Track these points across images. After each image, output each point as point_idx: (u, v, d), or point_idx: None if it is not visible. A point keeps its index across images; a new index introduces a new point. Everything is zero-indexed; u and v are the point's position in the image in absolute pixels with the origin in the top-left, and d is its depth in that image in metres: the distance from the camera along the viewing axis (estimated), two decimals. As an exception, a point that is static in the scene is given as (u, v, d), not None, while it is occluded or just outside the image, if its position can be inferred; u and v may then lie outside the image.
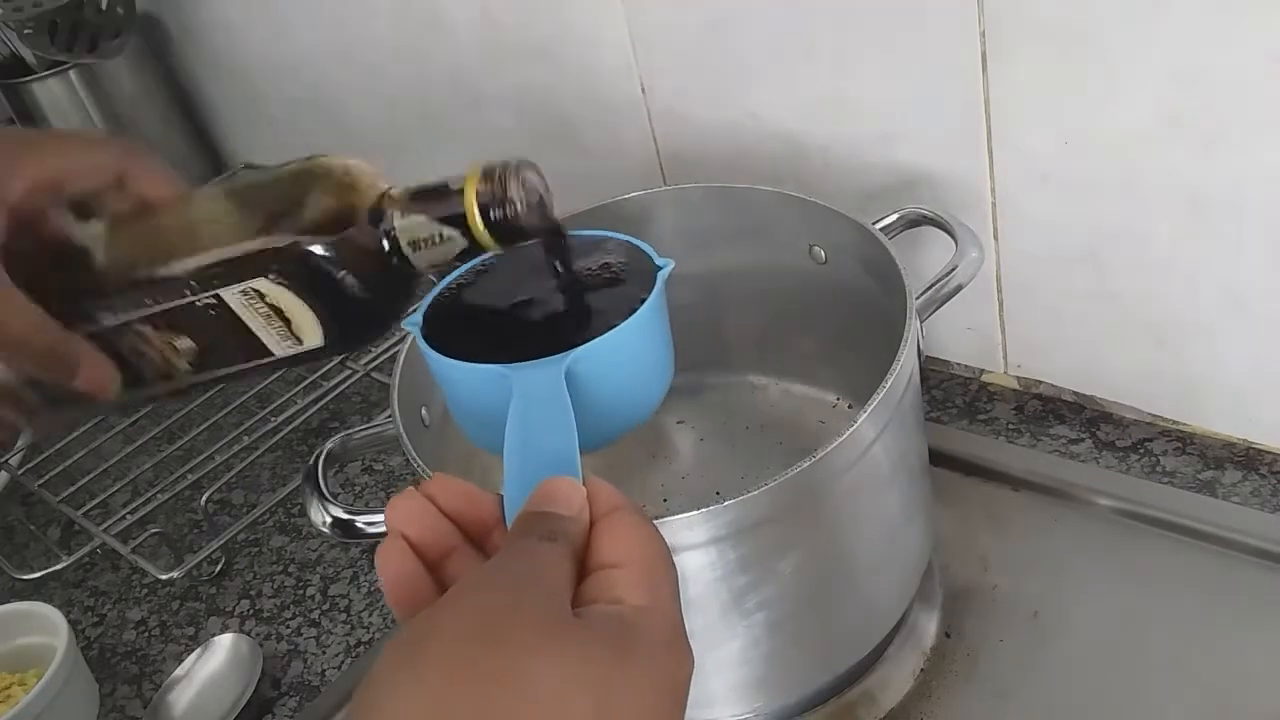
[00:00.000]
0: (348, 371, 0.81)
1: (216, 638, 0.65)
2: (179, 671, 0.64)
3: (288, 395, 0.80)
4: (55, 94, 1.03)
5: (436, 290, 0.44)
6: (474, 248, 0.38)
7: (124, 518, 0.73)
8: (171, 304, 0.40)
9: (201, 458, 0.77)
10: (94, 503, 0.75)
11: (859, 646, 0.52)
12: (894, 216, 0.56)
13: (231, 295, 0.39)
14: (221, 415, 0.80)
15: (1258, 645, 0.51)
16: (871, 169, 0.64)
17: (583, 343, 0.38)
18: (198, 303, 0.39)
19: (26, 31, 0.96)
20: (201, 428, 0.80)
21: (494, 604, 0.28)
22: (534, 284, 0.43)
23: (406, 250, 0.38)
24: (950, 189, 0.61)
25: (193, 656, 0.64)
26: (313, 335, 0.40)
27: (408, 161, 1.01)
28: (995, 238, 0.61)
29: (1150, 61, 0.50)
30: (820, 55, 0.62)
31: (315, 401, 0.79)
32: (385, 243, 0.38)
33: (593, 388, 0.38)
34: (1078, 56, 0.52)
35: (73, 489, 0.76)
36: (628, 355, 0.39)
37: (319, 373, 0.82)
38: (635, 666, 0.27)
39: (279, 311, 0.39)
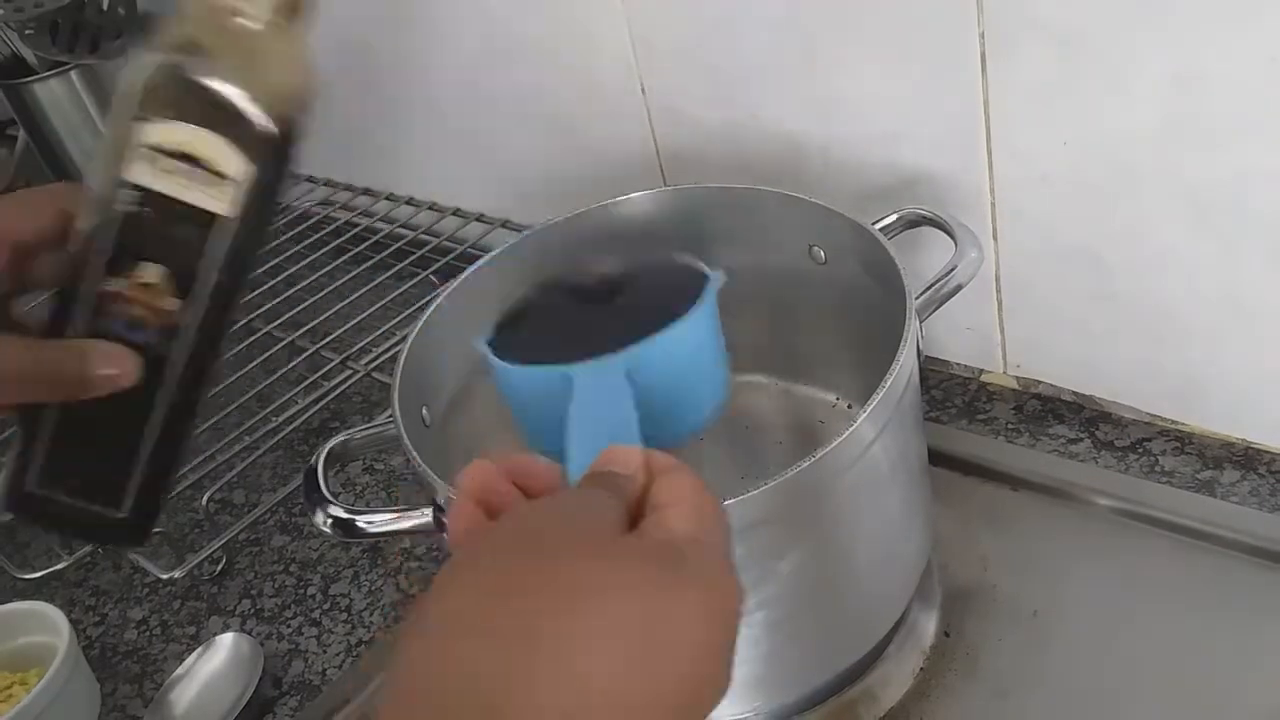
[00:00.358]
0: (348, 371, 0.81)
1: (217, 637, 0.65)
2: (180, 671, 0.64)
3: (288, 395, 0.80)
4: (56, 94, 1.03)
5: (502, 312, 0.45)
6: None
7: (125, 517, 0.73)
8: (110, 235, 0.38)
9: (202, 457, 0.77)
10: (95, 502, 0.75)
11: (858, 646, 0.52)
12: (893, 217, 0.56)
13: (137, 171, 0.37)
14: (222, 415, 0.80)
15: (1256, 644, 0.51)
16: (871, 169, 0.64)
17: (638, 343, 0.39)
18: (120, 207, 0.38)
19: (28, 32, 0.96)
20: (202, 428, 0.79)
21: (547, 522, 0.29)
22: (591, 307, 0.45)
23: (249, 7, 0.37)
24: (950, 189, 0.61)
25: (194, 656, 0.64)
26: (234, 161, 0.38)
27: (408, 161, 1.02)
28: (994, 238, 0.61)
29: (1150, 62, 0.50)
30: (820, 55, 0.62)
31: (316, 401, 0.79)
32: (229, 18, 0.37)
33: (649, 392, 0.38)
34: (1077, 57, 0.52)
35: (74, 489, 0.76)
36: (681, 358, 0.41)
37: (320, 372, 0.82)
38: (684, 586, 0.28)
39: (188, 157, 0.37)
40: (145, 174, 0.37)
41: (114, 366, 0.40)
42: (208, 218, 0.38)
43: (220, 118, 0.37)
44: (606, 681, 0.26)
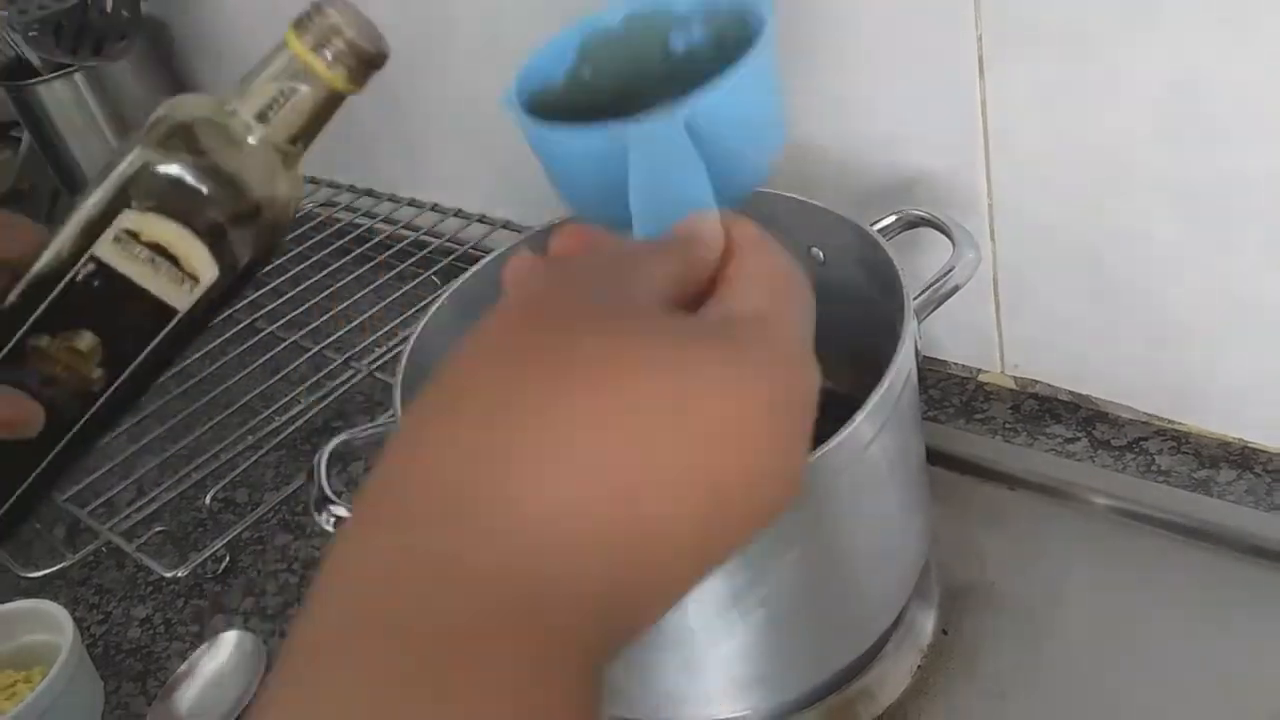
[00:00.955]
0: (351, 371, 0.82)
1: (221, 635, 0.65)
2: (183, 669, 0.64)
3: (291, 394, 0.81)
4: (60, 97, 1.03)
5: (527, 67, 0.41)
6: (327, 94, 0.38)
7: (129, 516, 0.74)
8: (54, 293, 0.38)
9: (206, 456, 0.77)
10: (99, 501, 0.75)
11: (857, 644, 0.52)
12: (892, 218, 0.57)
13: (107, 250, 0.37)
14: (225, 414, 0.80)
15: (1253, 643, 0.51)
16: (869, 171, 0.64)
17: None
18: (78, 277, 0.37)
19: (32, 34, 0.97)
20: (206, 427, 0.80)
21: (578, 288, 0.25)
22: (638, 77, 0.40)
23: (260, 126, 0.37)
24: (948, 190, 0.61)
25: (197, 654, 0.65)
26: (206, 265, 0.38)
27: (411, 163, 1.02)
28: (992, 239, 0.61)
29: (1146, 64, 0.51)
30: (819, 57, 0.62)
31: (319, 400, 0.79)
32: (238, 128, 0.37)
33: (713, 147, 0.33)
34: (1074, 59, 0.53)
35: (78, 488, 0.77)
36: (747, 103, 0.35)
37: (322, 372, 0.82)
38: (733, 364, 0.23)
39: (161, 250, 0.37)
40: (114, 255, 0.37)
41: (15, 416, 0.39)
42: (162, 307, 0.38)
43: (196, 211, 0.37)
44: (615, 473, 0.22)
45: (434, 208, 0.97)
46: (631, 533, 0.22)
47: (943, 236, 0.54)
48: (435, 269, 0.90)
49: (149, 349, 0.40)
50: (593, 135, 0.34)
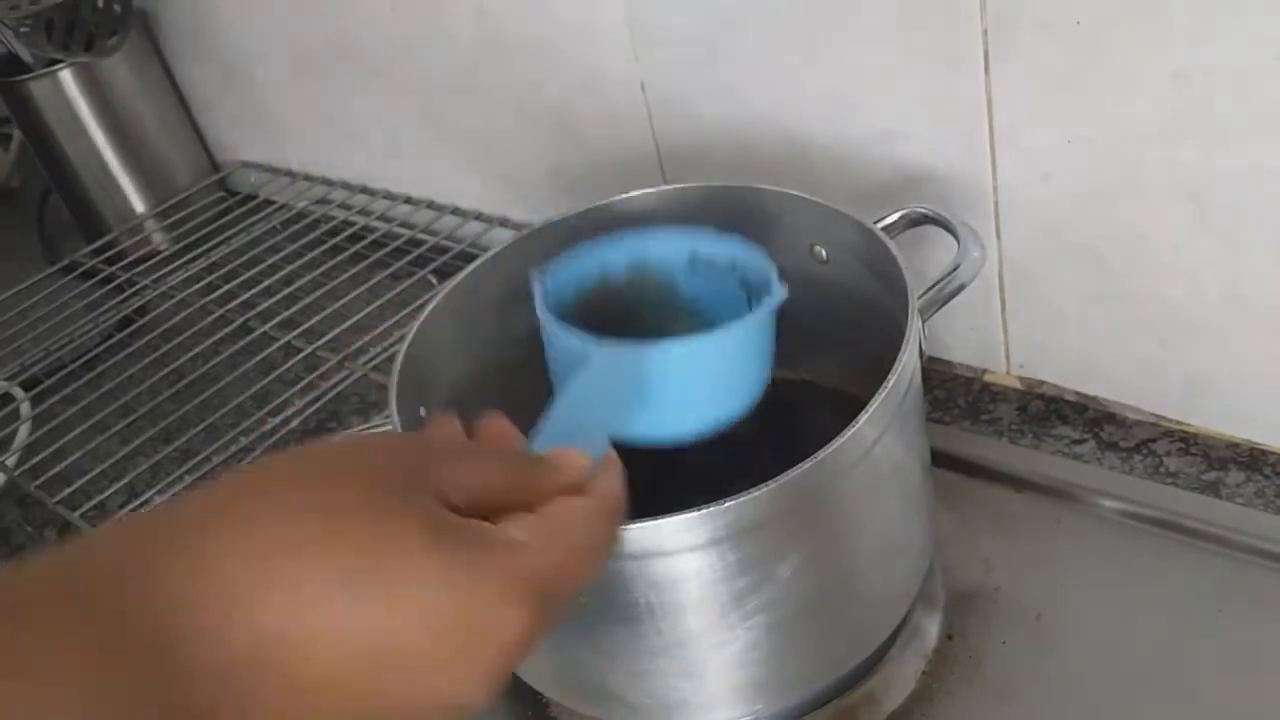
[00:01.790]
0: (345, 372, 0.81)
1: (213, 640, 0.64)
2: (175, 674, 0.63)
3: (285, 396, 0.80)
4: (51, 93, 1.03)
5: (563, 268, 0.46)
6: None
7: (121, 520, 0.73)
8: None
9: (198, 459, 0.76)
10: (90, 504, 0.74)
11: (860, 649, 0.51)
12: (896, 215, 0.56)
13: None
14: (218, 416, 0.79)
15: (1261, 646, 0.51)
16: (873, 167, 0.63)
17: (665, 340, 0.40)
18: None
19: (23, 30, 0.96)
20: (198, 429, 0.79)
21: (349, 449, 0.29)
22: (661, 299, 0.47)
23: None
24: (953, 188, 0.60)
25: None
26: None
27: (405, 159, 1.01)
28: (998, 237, 0.61)
29: (1154, 59, 0.50)
30: (822, 52, 0.61)
31: (313, 402, 0.78)
32: None
33: (666, 388, 0.39)
34: (1081, 54, 0.52)
35: (69, 490, 0.76)
36: (709, 366, 0.41)
37: (316, 373, 0.81)
38: (437, 564, 0.26)
39: None
40: None
41: None
42: None
43: None
44: (304, 631, 0.25)
45: (429, 205, 0.96)
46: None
47: (948, 234, 0.54)
48: (431, 267, 0.89)
49: None
50: (565, 337, 0.40)
